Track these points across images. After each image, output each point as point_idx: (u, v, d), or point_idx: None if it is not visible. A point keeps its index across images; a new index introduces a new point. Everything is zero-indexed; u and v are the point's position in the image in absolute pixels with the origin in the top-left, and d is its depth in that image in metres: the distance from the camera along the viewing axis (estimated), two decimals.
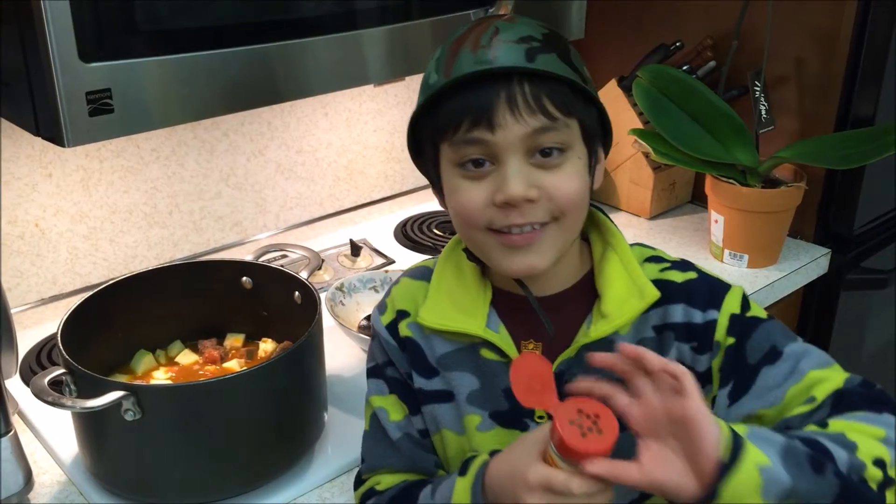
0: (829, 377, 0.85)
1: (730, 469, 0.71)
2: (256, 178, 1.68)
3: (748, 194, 1.55)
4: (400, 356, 0.95)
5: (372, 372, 0.98)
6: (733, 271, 1.59)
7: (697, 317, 0.87)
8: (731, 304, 0.88)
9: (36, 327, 1.40)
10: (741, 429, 0.75)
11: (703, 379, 0.87)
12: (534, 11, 1.42)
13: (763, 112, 1.59)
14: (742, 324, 0.88)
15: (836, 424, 0.80)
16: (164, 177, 1.55)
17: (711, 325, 0.87)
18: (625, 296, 0.88)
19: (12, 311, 1.07)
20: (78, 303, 1.09)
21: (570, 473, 0.75)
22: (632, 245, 0.94)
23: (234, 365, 1.19)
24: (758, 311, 0.90)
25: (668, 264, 0.92)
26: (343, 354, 1.32)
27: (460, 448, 0.93)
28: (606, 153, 0.91)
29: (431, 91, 0.83)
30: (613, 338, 0.87)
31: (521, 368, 0.79)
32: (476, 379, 0.92)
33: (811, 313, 1.76)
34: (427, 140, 0.87)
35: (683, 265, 0.92)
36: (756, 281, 1.56)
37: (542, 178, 0.82)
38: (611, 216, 0.95)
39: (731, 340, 0.87)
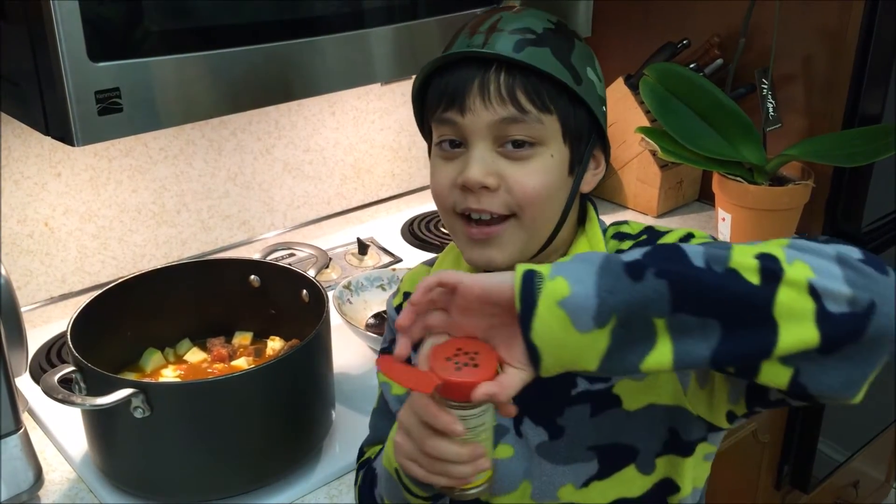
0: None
1: (528, 319, 0.66)
2: (264, 177, 1.68)
3: (755, 192, 1.55)
4: None
5: (383, 351, 1.02)
6: None
7: None
8: (653, 238, 0.85)
9: (45, 326, 1.41)
10: (563, 259, 0.70)
11: None
12: (540, 9, 1.42)
13: (770, 110, 1.59)
14: (652, 243, 0.84)
15: None
16: (172, 176, 1.56)
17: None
18: None
19: (22, 309, 1.07)
20: (87, 301, 1.10)
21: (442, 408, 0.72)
22: (610, 224, 0.93)
23: (243, 363, 1.20)
24: (700, 239, 0.83)
25: (629, 242, 0.89)
26: (350, 352, 1.33)
27: None
28: (607, 159, 0.90)
29: (423, 71, 0.85)
30: None
31: (397, 375, 0.73)
32: None
33: None
34: (423, 120, 0.90)
35: (643, 235, 0.89)
36: None
37: (505, 168, 0.82)
38: (618, 214, 0.95)
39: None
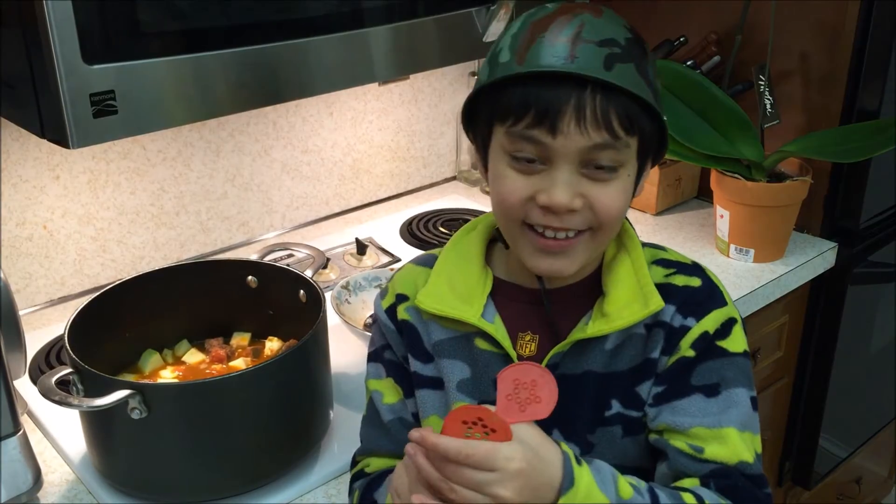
0: (733, 445, 0.85)
1: None
2: (262, 178, 1.68)
3: (753, 189, 1.55)
4: (397, 339, 0.96)
5: (371, 356, 1.00)
6: (739, 266, 1.59)
7: (678, 320, 0.88)
8: (709, 322, 0.88)
9: (45, 328, 1.41)
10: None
11: (654, 374, 0.88)
12: (534, 7, 1.42)
13: (768, 106, 1.59)
14: (708, 345, 0.87)
15: (688, 498, 0.82)
16: (171, 178, 1.56)
17: (684, 330, 0.87)
18: (629, 299, 0.87)
19: (21, 312, 1.08)
20: (85, 303, 1.10)
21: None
22: (644, 245, 0.93)
23: (241, 364, 1.20)
24: (735, 344, 0.89)
25: (673, 270, 0.91)
26: (349, 352, 1.33)
27: None
28: (654, 164, 0.89)
29: (502, 74, 0.80)
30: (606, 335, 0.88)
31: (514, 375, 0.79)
32: (468, 367, 0.92)
33: (818, 308, 1.76)
34: (483, 116, 0.85)
35: (690, 270, 0.91)
36: (762, 275, 1.56)
37: (590, 189, 0.81)
38: None
39: (690, 353, 0.87)
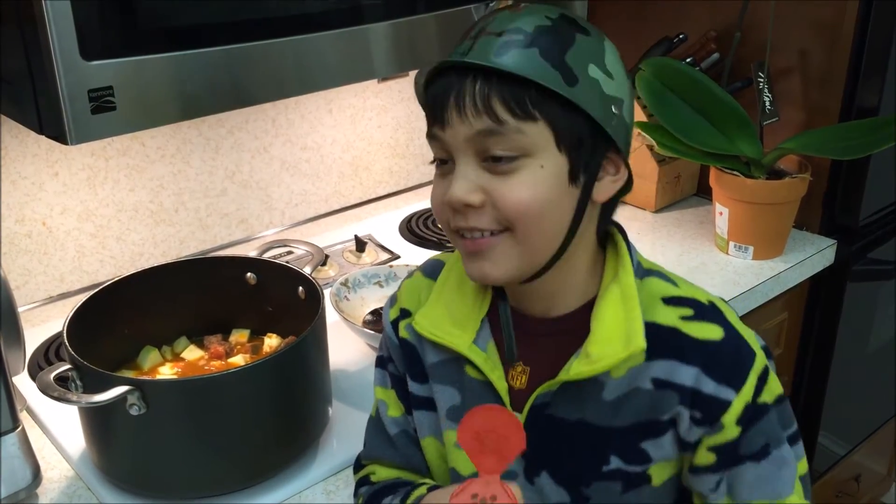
0: None
1: None
2: (262, 175, 1.68)
3: (752, 186, 1.55)
4: (399, 355, 0.94)
5: (378, 361, 0.98)
6: (738, 263, 1.59)
7: (709, 387, 0.80)
8: (748, 390, 0.80)
9: (44, 325, 1.41)
10: None
11: (685, 445, 0.83)
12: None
13: (767, 103, 1.59)
14: (751, 412, 0.81)
15: None
16: (170, 175, 1.56)
17: (724, 405, 0.80)
18: (612, 338, 0.80)
19: (20, 309, 1.07)
20: (84, 300, 1.10)
21: None
22: (651, 274, 0.86)
23: (240, 360, 1.20)
24: (772, 392, 0.83)
25: (690, 312, 0.82)
26: (348, 349, 1.33)
27: (441, 457, 0.92)
28: (625, 161, 0.81)
29: (419, 85, 0.81)
30: (603, 378, 0.82)
31: (481, 418, 0.75)
32: (458, 394, 0.89)
33: (817, 305, 1.76)
34: None
35: (709, 314, 0.82)
36: (761, 273, 1.56)
37: (490, 183, 0.77)
38: (616, 211, 0.86)
39: (736, 431, 0.81)
